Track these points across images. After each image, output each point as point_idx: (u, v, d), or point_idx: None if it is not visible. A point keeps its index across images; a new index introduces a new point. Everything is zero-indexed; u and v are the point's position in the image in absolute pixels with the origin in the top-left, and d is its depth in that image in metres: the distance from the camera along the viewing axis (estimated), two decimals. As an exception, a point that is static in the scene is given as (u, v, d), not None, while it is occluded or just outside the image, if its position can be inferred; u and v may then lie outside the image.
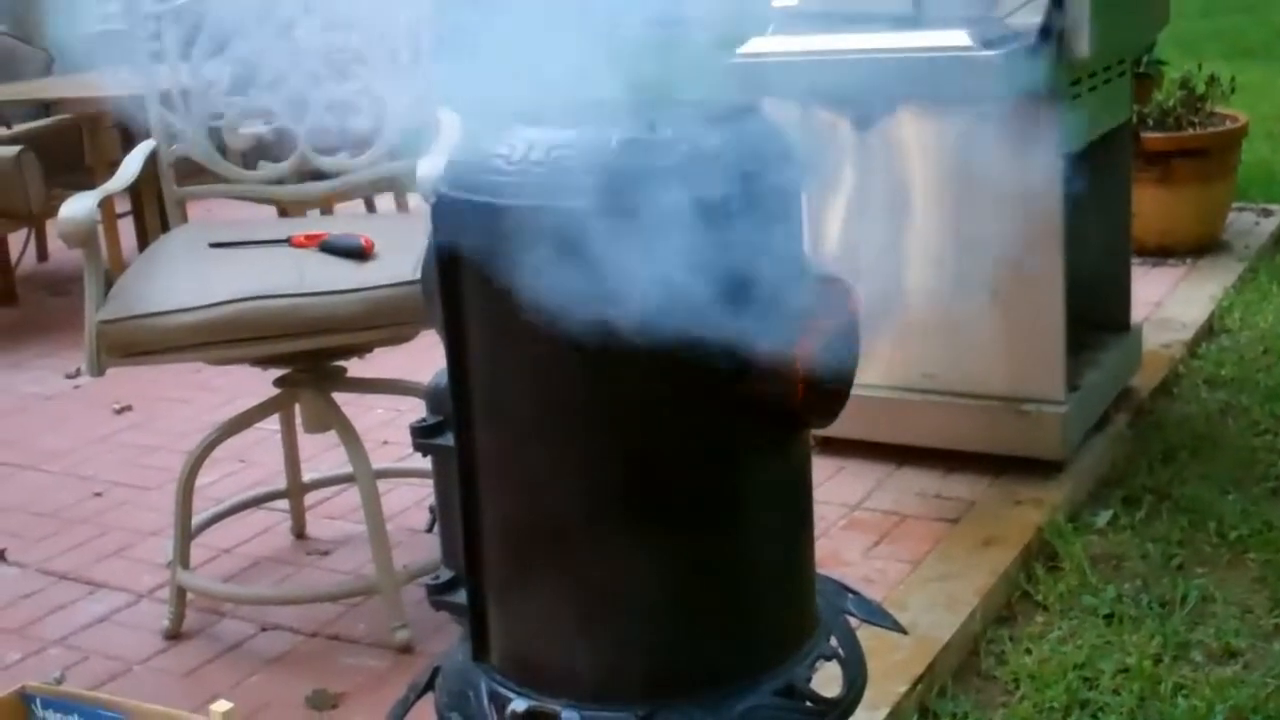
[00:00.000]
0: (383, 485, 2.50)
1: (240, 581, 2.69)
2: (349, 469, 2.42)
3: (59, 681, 2.15)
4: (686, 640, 1.42)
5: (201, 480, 2.53)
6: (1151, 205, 4.06)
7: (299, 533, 2.86)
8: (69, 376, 4.03)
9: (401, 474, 2.86)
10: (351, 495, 2.78)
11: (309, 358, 2.37)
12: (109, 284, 2.31)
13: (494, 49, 1.58)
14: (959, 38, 2.53)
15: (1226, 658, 2.27)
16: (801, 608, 1.52)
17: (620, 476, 1.38)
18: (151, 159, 2.63)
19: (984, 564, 2.50)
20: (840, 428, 1.64)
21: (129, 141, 4.05)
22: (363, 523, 2.40)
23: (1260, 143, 5.39)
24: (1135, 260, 3.38)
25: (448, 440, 1.46)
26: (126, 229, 4.72)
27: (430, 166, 2.22)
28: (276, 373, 2.47)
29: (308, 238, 2.42)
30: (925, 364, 2.86)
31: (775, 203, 1.41)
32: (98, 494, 3.18)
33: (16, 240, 5.10)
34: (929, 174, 2.77)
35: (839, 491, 2.84)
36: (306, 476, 2.82)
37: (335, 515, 2.94)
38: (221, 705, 1.79)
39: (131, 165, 2.59)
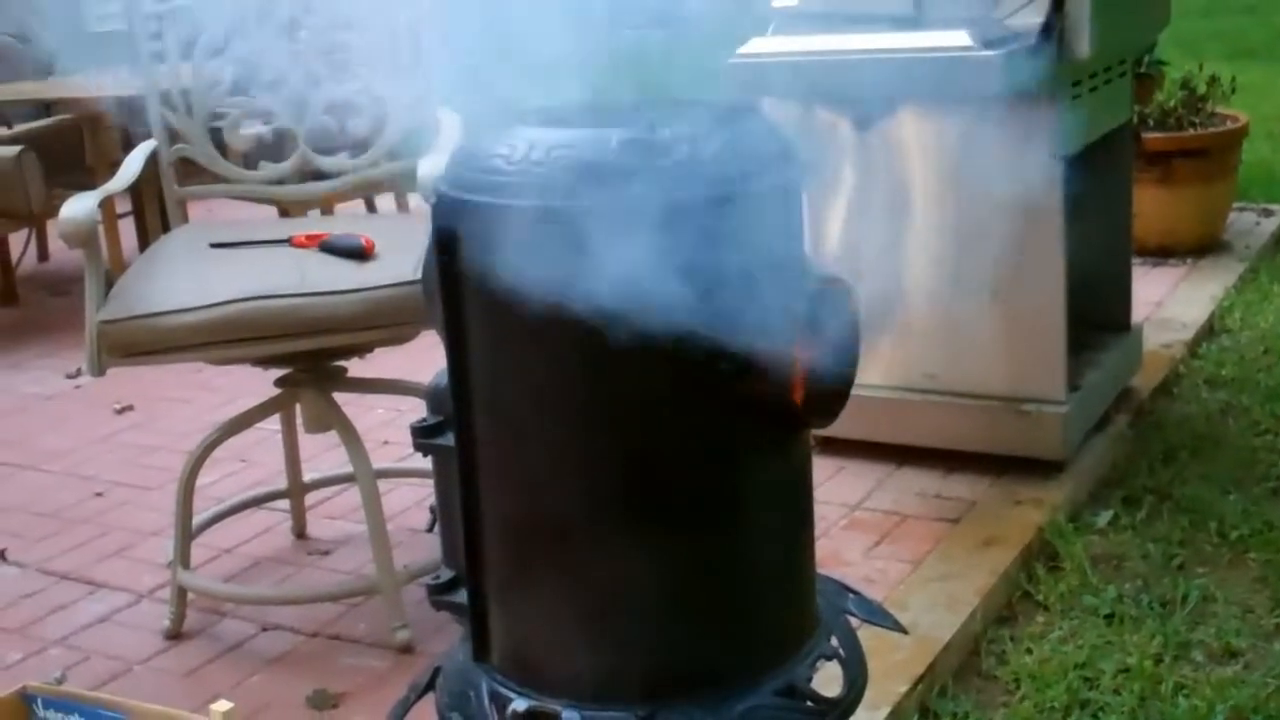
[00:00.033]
0: (383, 485, 2.50)
1: (241, 581, 2.69)
2: (349, 469, 2.42)
3: (60, 681, 2.15)
4: (687, 640, 1.42)
5: (202, 480, 2.53)
6: (1152, 205, 4.06)
7: (299, 533, 2.86)
8: (70, 376, 4.03)
9: (402, 474, 2.86)
10: (352, 495, 2.78)
11: (310, 358, 2.37)
12: (110, 284, 2.31)
13: (494, 49, 1.58)
14: (959, 38, 2.53)
15: (1227, 658, 2.27)
16: (802, 608, 1.52)
17: (621, 476, 1.38)
18: (152, 159, 2.63)
19: (984, 564, 2.50)
20: (841, 428, 1.64)
21: (130, 141, 4.06)
22: (363, 523, 2.40)
23: (1261, 143, 5.39)
24: (1136, 260, 3.38)
25: (448, 440, 1.46)
26: (127, 229, 4.72)
27: (431, 166, 2.22)
28: (277, 373, 2.47)
29: (308, 238, 2.42)
30: (926, 364, 2.86)
31: (775, 203, 1.41)
32: (98, 494, 3.18)
33: (17, 240, 5.10)
34: (929, 174, 2.77)
35: (839, 491, 2.84)
36: (307, 476, 2.82)
37: (336, 515, 2.94)
38: (222, 705, 1.79)
39: (132, 165, 2.59)
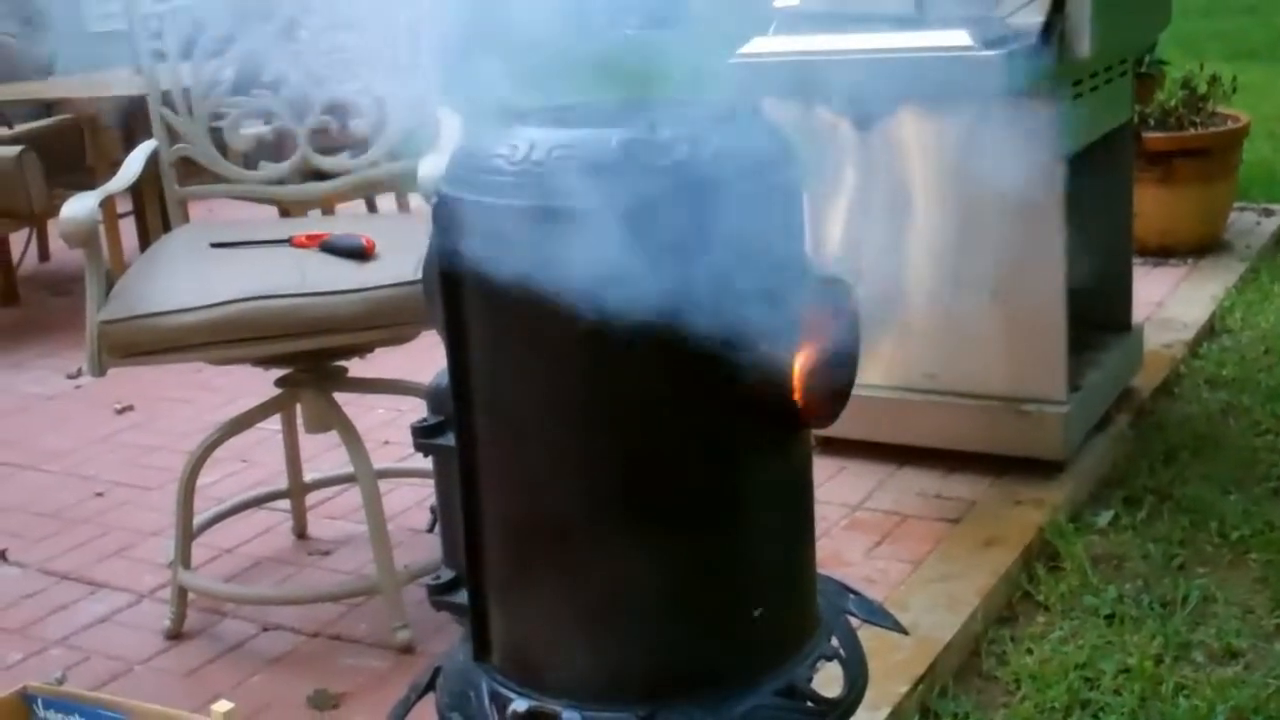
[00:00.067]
0: (384, 485, 2.50)
1: (241, 581, 2.69)
2: (350, 469, 2.42)
3: (60, 682, 2.15)
4: (687, 640, 1.42)
5: (203, 480, 2.53)
6: (1153, 205, 4.06)
7: (300, 533, 2.86)
8: (70, 376, 4.03)
9: (402, 474, 2.86)
10: (353, 495, 2.78)
11: (310, 358, 2.37)
12: (110, 284, 2.31)
13: (494, 49, 1.58)
14: (960, 38, 2.53)
15: (1228, 658, 2.27)
16: (802, 608, 1.52)
17: (621, 476, 1.38)
18: (153, 159, 2.63)
19: (985, 564, 2.50)
20: (841, 428, 1.64)
21: (130, 141, 4.06)
22: (364, 523, 2.40)
23: (1262, 143, 5.39)
24: (1136, 260, 3.38)
25: (448, 440, 1.46)
26: (128, 229, 4.72)
27: (431, 166, 2.22)
28: (278, 373, 2.47)
29: (309, 238, 2.42)
30: (926, 364, 2.86)
31: (776, 203, 1.41)
32: (99, 494, 3.18)
33: (18, 240, 5.10)
34: (930, 174, 2.76)
35: (840, 491, 2.84)
36: (308, 476, 2.82)
37: (336, 515, 2.94)
38: (223, 705, 1.79)
39: (133, 165, 2.59)
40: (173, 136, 2.63)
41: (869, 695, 1.57)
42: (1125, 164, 3.19)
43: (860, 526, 2.70)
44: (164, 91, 2.64)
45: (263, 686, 2.30)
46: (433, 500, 1.57)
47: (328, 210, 4.28)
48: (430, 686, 1.59)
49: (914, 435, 2.91)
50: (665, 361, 1.30)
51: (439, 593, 1.53)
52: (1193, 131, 4.33)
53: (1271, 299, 3.95)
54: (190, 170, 2.68)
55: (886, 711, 2.05)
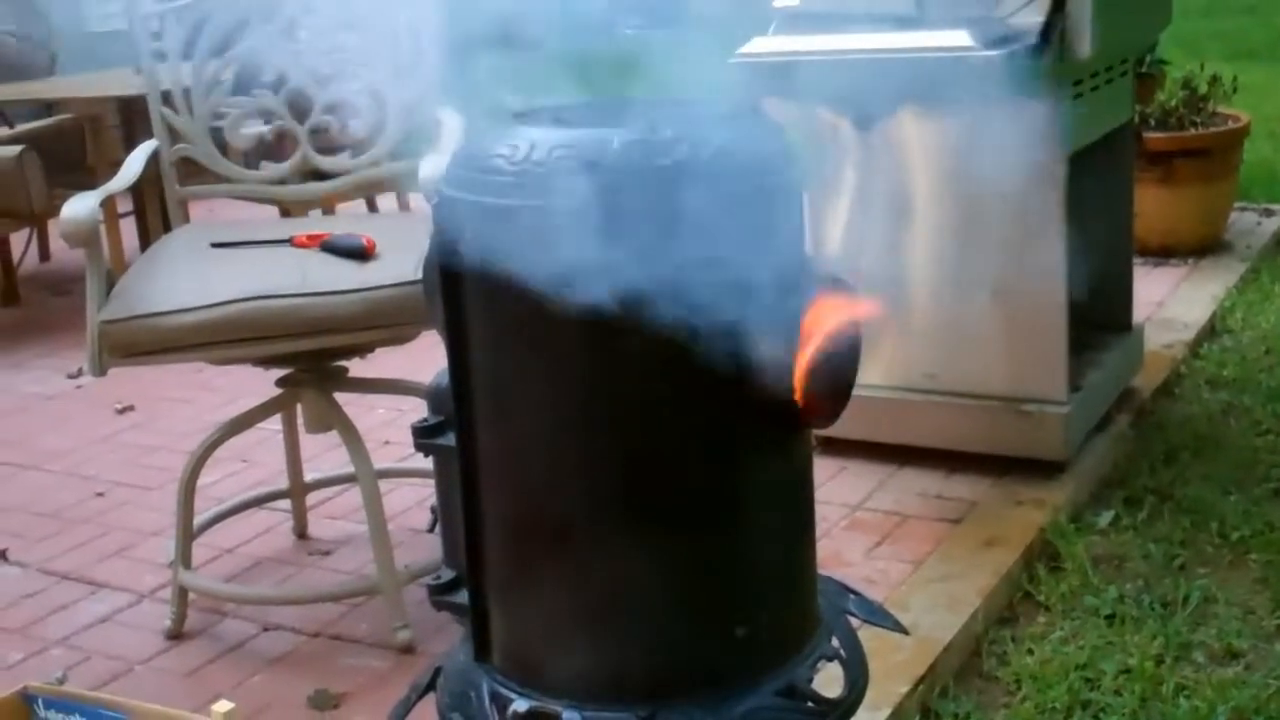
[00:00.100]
0: (384, 485, 2.50)
1: (242, 581, 2.69)
2: (351, 469, 2.42)
3: (61, 682, 2.15)
4: (688, 641, 1.42)
5: (203, 480, 2.53)
6: (1153, 205, 4.06)
7: (301, 533, 2.86)
8: (71, 376, 4.03)
9: (403, 474, 2.86)
10: (353, 495, 2.78)
11: (311, 358, 2.37)
12: (111, 284, 2.31)
13: (495, 49, 1.58)
14: (961, 38, 2.53)
15: (1228, 658, 2.27)
16: (803, 608, 1.52)
17: (622, 477, 1.38)
18: (153, 159, 2.63)
19: (986, 564, 2.50)
20: (842, 428, 1.64)
21: (131, 141, 4.06)
22: (364, 523, 2.40)
23: (1262, 143, 5.39)
24: (1137, 260, 3.37)
25: (449, 440, 1.46)
26: (128, 229, 4.72)
27: (432, 166, 2.22)
28: (278, 373, 2.47)
29: (309, 238, 2.42)
30: (927, 364, 2.86)
31: (776, 203, 1.41)
32: (99, 494, 3.18)
33: (19, 240, 5.10)
34: (930, 174, 2.76)
35: (840, 492, 2.84)
36: (308, 476, 2.82)
37: (337, 515, 2.94)
38: (223, 705, 1.79)
39: (133, 165, 2.59)
40: (173, 136, 2.63)
41: (869, 695, 1.57)
42: (1126, 164, 3.19)
43: (861, 527, 2.70)
44: (164, 91, 2.64)
45: (263, 686, 2.30)
46: (433, 500, 1.57)
47: (328, 210, 4.28)
48: (431, 686, 1.59)
49: (914, 435, 2.91)
50: (666, 361, 1.30)
51: (439, 593, 1.53)
52: (1193, 131, 4.33)
53: (1272, 299, 3.95)
54: (191, 170, 2.68)
55: (887, 712, 2.05)
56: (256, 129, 2.68)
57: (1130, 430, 3.08)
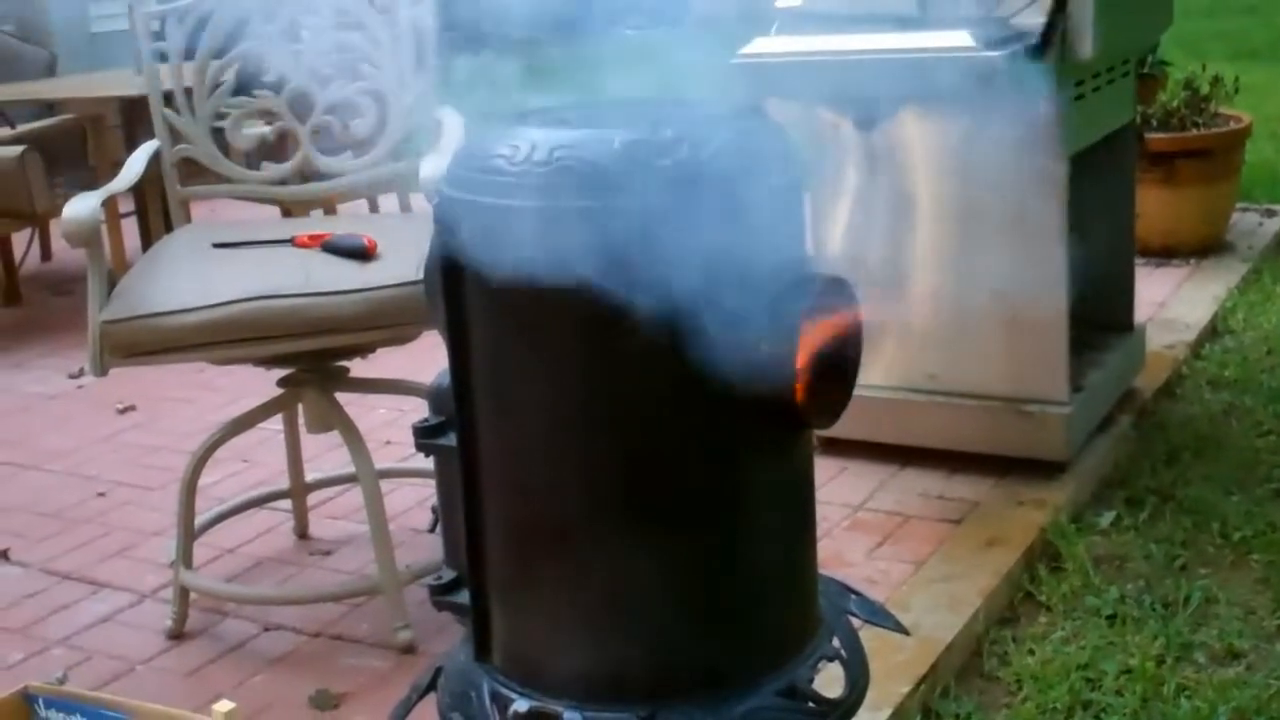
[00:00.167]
0: (385, 485, 2.50)
1: (243, 581, 2.69)
2: (352, 469, 2.42)
3: (62, 681, 2.15)
4: (688, 641, 1.42)
5: (204, 480, 2.53)
6: (1155, 206, 4.06)
7: (302, 533, 2.86)
8: (72, 376, 4.03)
9: (404, 474, 2.86)
10: (354, 495, 2.78)
11: (312, 358, 2.37)
12: (112, 284, 2.31)
13: (496, 49, 1.58)
14: (962, 38, 2.53)
15: (1229, 659, 2.27)
16: (804, 608, 1.52)
17: (622, 477, 1.38)
18: (155, 159, 2.63)
19: (987, 565, 2.50)
20: (843, 428, 1.64)
21: (132, 141, 4.06)
22: (365, 523, 2.40)
23: (1264, 143, 5.39)
24: (1139, 261, 3.37)
25: (450, 440, 1.46)
26: (130, 229, 4.73)
27: (433, 167, 2.22)
28: (279, 373, 2.47)
29: (311, 238, 2.42)
30: (928, 364, 2.85)
31: (777, 203, 1.41)
32: (101, 494, 3.18)
33: (20, 240, 5.11)
34: (932, 174, 2.76)
35: (842, 492, 2.84)
36: (309, 476, 2.82)
37: (338, 515, 2.94)
38: (224, 705, 1.79)
39: (135, 165, 2.59)
40: (175, 137, 2.63)
41: (870, 696, 1.57)
42: (1127, 165, 3.19)
43: (862, 527, 2.70)
44: (166, 91, 2.64)
45: (264, 686, 2.30)
46: (434, 500, 1.57)
47: (329, 210, 4.28)
48: (431, 686, 1.59)
49: (916, 436, 2.91)
50: (667, 361, 1.30)
51: (440, 593, 1.53)
52: (1195, 132, 4.33)
53: (1274, 300, 3.95)
54: (192, 170, 2.69)
55: (888, 712, 2.05)
56: (258, 129, 2.68)
57: (1132, 431, 3.08)
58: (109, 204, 2.51)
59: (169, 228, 2.71)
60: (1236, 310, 3.88)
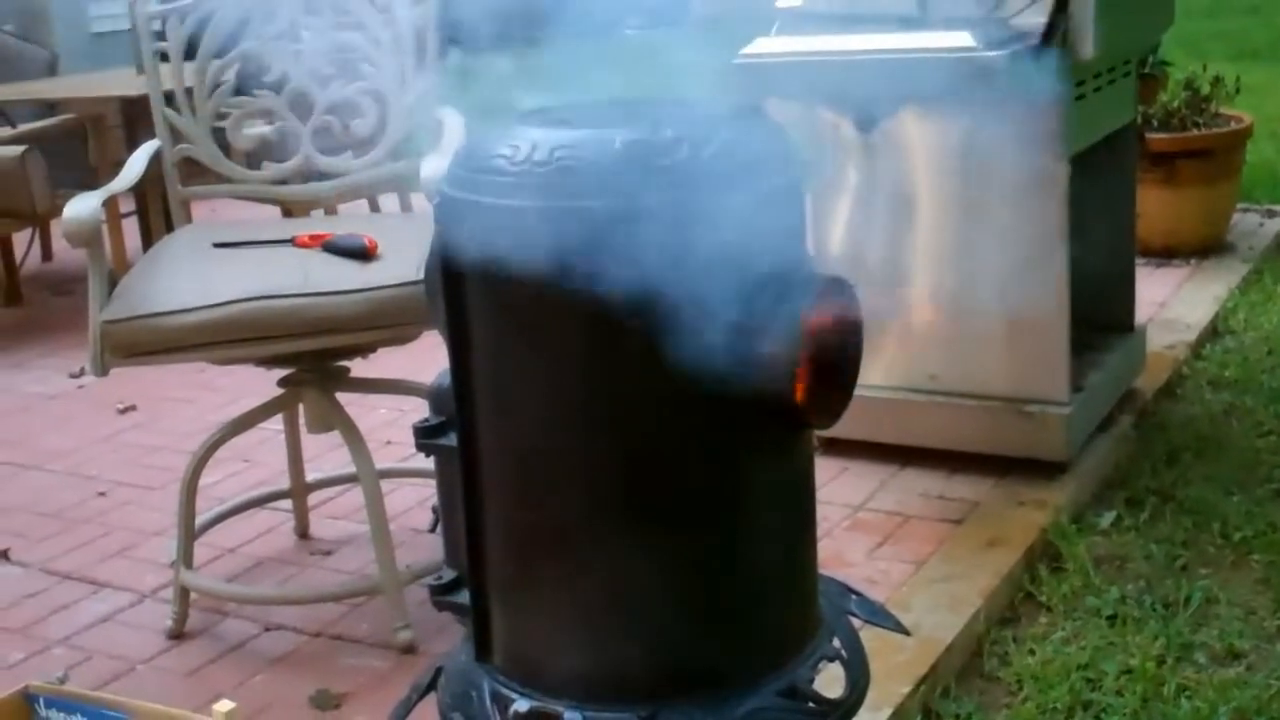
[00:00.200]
0: (386, 485, 2.50)
1: (243, 581, 2.69)
2: (352, 469, 2.42)
3: (62, 681, 2.15)
4: (689, 641, 1.42)
5: (205, 480, 2.53)
6: (1156, 206, 4.06)
7: (302, 533, 2.86)
8: (73, 376, 4.03)
9: (404, 474, 2.86)
10: (355, 495, 2.78)
11: (313, 358, 2.37)
12: (113, 284, 2.31)
13: (497, 49, 1.58)
14: (963, 38, 2.53)
15: (1230, 659, 2.27)
16: (804, 609, 1.52)
17: (623, 477, 1.38)
18: (156, 159, 2.63)
19: (987, 565, 2.50)
20: (844, 428, 1.64)
21: (133, 141, 4.06)
22: (366, 523, 2.40)
23: (1265, 144, 5.39)
24: (1139, 261, 3.37)
25: (450, 440, 1.46)
26: (131, 229, 4.73)
27: (434, 167, 2.22)
28: (280, 373, 2.47)
29: (311, 238, 2.42)
30: (929, 365, 2.85)
31: (778, 203, 1.41)
32: (101, 494, 3.19)
33: (21, 240, 5.11)
34: (932, 175, 2.76)
35: (842, 492, 2.84)
36: (310, 476, 2.82)
37: (338, 515, 2.94)
38: (224, 705, 1.80)
39: (136, 165, 2.59)
40: (176, 136, 2.63)
41: (871, 696, 1.57)
42: (1128, 165, 3.19)
43: (862, 527, 2.70)
44: (167, 91, 2.64)
45: (264, 686, 2.30)
46: (434, 500, 1.57)
47: (330, 210, 4.28)
48: (432, 687, 1.59)
49: (916, 436, 2.91)
50: (668, 361, 1.30)
51: (441, 593, 1.53)
52: (1196, 132, 4.32)
53: (1274, 300, 3.95)
54: (193, 170, 2.69)
55: (889, 712, 2.05)
56: (259, 129, 2.68)
57: (1132, 431, 3.08)
58: (110, 204, 2.52)
59: (170, 228, 2.71)
60: (1237, 310, 3.88)
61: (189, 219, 2.70)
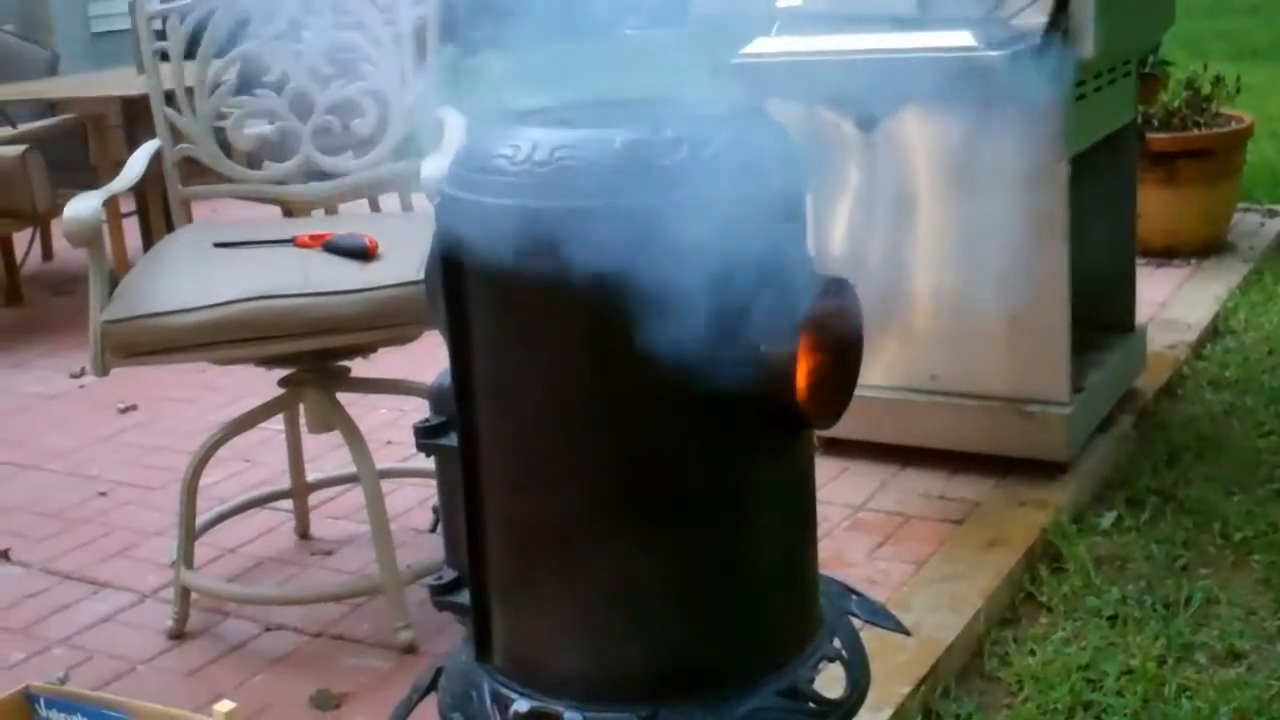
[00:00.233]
0: (386, 485, 2.50)
1: (244, 581, 2.69)
2: (353, 469, 2.42)
3: (63, 681, 2.15)
4: (689, 641, 1.42)
5: (206, 480, 2.53)
6: (1156, 206, 4.06)
7: (303, 533, 2.86)
8: (73, 376, 4.03)
9: (405, 474, 2.86)
10: (355, 495, 2.78)
11: (313, 358, 2.37)
12: (114, 284, 2.31)
13: (498, 49, 1.58)
14: (964, 38, 2.52)
15: (1230, 659, 2.27)
16: (804, 609, 1.52)
17: (623, 477, 1.38)
18: (156, 159, 2.63)
19: (988, 565, 2.50)
20: (844, 428, 1.64)
21: (134, 141, 4.06)
22: (366, 523, 2.40)
23: (1265, 143, 5.39)
24: (1140, 261, 3.37)
25: (451, 440, 1.46)
26: (131, 229, 4.73)
27: (434, 167, 2.22)
28: (281, 373, 2.47)
29: (312, 238, 2.42)
30: (929, 365, 2.85)
31: (778, 203, 1.41)
32: (102, 494, 3.18)
33: (21, 240, 5.10)
34: (933, 174, 2.76)
35: (843, 492, 2.84)
36: (310, 476, 2.82)
37: (339, 515, 2.94)
38: (225, 705, 1.80)
39: (136, 165, 2.59)
40: (176, 136, 2.63)
41: (871, 696, 1.57)
42: (1129, 165, 3.19)
43: (863, 527, 2.69)
44: (167, 91, 2.64)
45: (265, 686, 2.30)
46: (435, 500, 1.57)
47: (331, 210, 4.28)
48: (432, 687, 1.59)
49: (917, 436, 2.91)
50: (668, 362, 1.30)
51: (441, 593, 1.53)
52: (1196, 132, 4.32)
53: (1275, 300, 3.95)
54: (194, 170, 2.69)
55: (889, 712, 2.05)
56: (259, 129, 2.68)
57: (1133, 431, 3.08)
58: (110, 204, 2.52)
59: (170, 227, 2.71)
60: (1238, 310, 3.88)
61: (189, 219, 2.70)
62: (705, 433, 1.37)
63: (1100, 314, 3.05)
